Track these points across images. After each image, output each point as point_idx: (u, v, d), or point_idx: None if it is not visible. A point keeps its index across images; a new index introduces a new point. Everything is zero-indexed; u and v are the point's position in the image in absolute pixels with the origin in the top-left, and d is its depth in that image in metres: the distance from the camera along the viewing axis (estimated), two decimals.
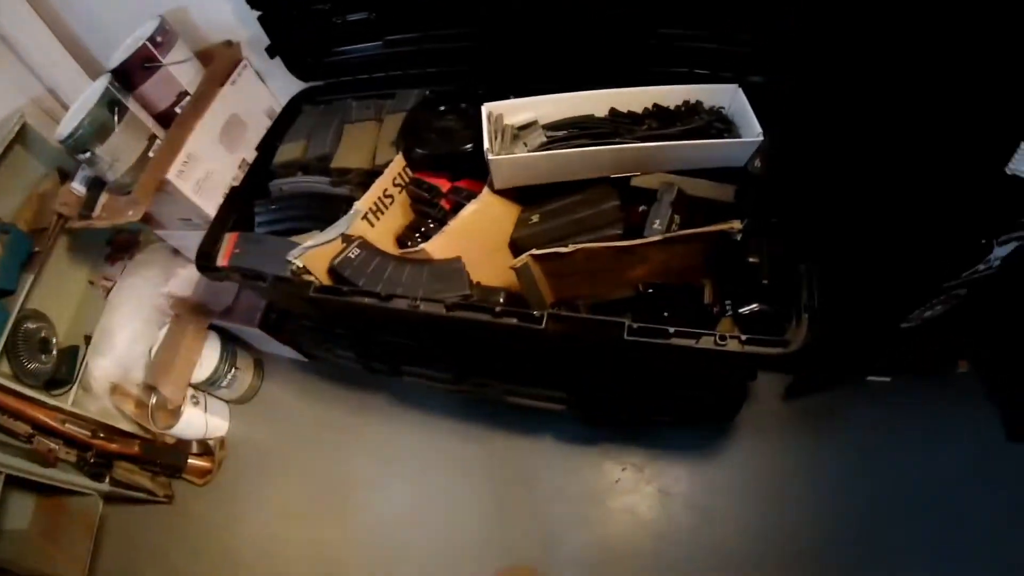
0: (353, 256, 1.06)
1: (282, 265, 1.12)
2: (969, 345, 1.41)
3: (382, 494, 1.48)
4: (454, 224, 1.02)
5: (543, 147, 0.99)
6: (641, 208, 1.08)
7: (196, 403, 1.56)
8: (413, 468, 1.49)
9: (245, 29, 1.45)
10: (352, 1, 1.26)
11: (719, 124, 1.02)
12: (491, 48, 1.21)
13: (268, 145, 1.33)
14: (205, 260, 1.21)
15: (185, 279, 1.59)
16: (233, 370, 1.54)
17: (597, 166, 1.00)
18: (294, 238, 1.17)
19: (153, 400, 1.49)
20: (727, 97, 1.05)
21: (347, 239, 1.08)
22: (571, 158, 0.97)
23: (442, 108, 1.15)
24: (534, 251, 0.97)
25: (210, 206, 1.40)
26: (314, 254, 1.09)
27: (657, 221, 0.99)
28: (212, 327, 1.54)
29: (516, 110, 1.04)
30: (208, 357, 1.51)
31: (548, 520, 1.38)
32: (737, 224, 1.00)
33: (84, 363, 1.56)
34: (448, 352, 1.19)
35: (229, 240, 1.22)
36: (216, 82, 1.46)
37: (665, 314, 1.07)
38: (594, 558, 1.34)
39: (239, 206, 1.28)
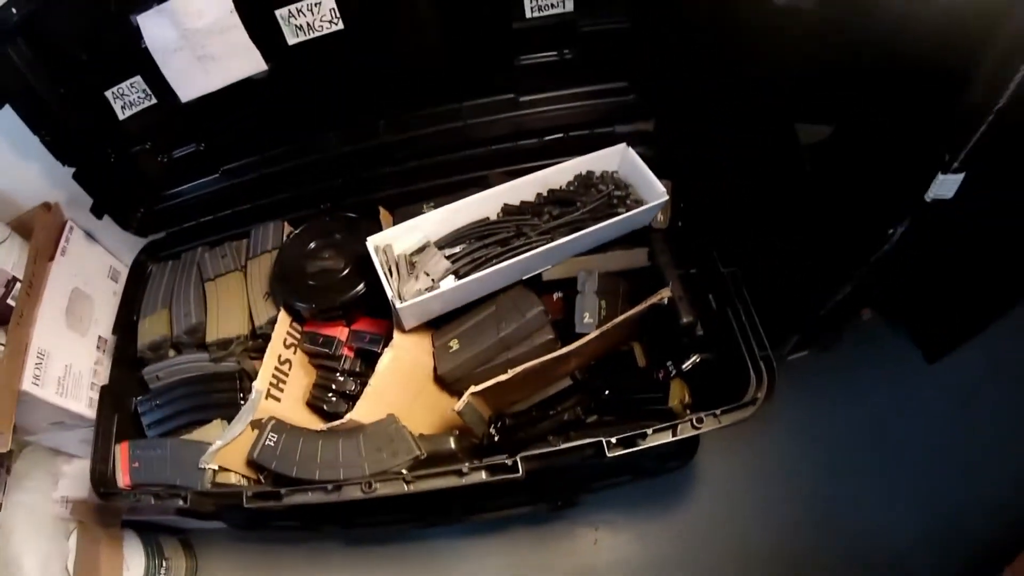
0: (272, 443, 0.85)
1: (191, 471, 0.90)
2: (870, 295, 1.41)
3: None
4: (374, 382, 0.84)
5: (449, 272, 0.81)
6: (556, 295, 0.95)
7: None
8: None
9: (61, 187, 1.14)
10: (176, 134, 1.02)
11: (617, 192, 0.88)
12: (347, 155, 1.01)
13: (124, 323, 1.06)
14: (105, 486, 0.96)
15: (75, 478, 1.26)
16: (164, 563, 1.26)
17: (509, 276, 0.84)
18: (195, 433, 0.94)
19: None
20: (615, 159, 0.93)
21: (257, 424, 0.87)
22: (486, 278, 0.81)
23: (312, 245, 0.95)
24: (473, 388, 0.81)
25: (80, 404, 1.10)
26: (227, 451, 0.88)
27: (586, 314, 0.86)
28: (124, 524, 1.24)
29: (403, 236, 0.86)
30: (133, 562, 1.22)
31: None
32: (667, 292, 0.88)
33: None
34: (406, 507, 1.01)
35: (121, 453, 0.97)
36: (45, 256, 1.15)
37: (606, 392, 0.95)
38: None
39: (117, 405, 1.01)
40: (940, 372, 1.34)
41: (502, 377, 0.81)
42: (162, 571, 1.25)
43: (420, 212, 0.90)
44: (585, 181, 0.90)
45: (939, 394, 1.31)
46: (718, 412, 0.83)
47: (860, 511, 1.23)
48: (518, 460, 0.78)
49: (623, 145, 0.92)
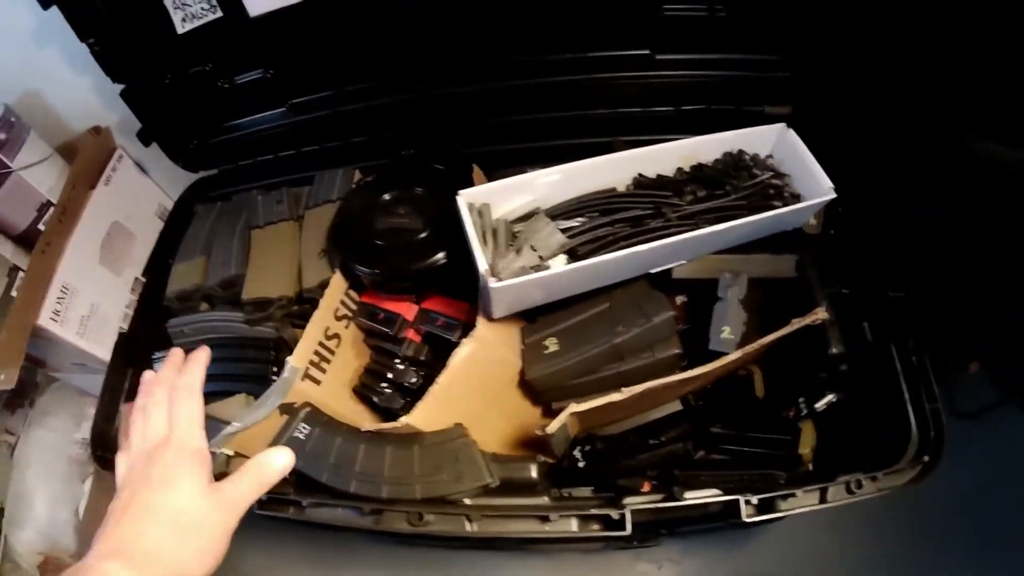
0: (303, 436, 0.59)
1: None
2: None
3: None
4: (444, 380, 0.57)
5: (564, 250, 0.54)
6: (680, 299, 0.67)
7: None
8: None
9: (115, 110, 0.91)
10: (241, 57, 0.77)
11: (775, 181, 0.61)
12: (440, 98, 0.74)
13: (157, 267, 0.81)
14: (102, 449, 0.71)
15: None
16: None
17: (636, 265, 0.57)
18: (211, 407, 0.67)
19: None
20: (769, 141, 0.65)
21: (288, 409, 0.61)
22: (612, 263, 0.53)
23: (386, 196, 0.68)
24: (575, 407, 0.54)
25: (103, 349, 0.88)
26: (247, 436, 0.61)
27: (726, 329, 0.59)
28: None
29: (505, 195, 0.59)
30: None
31: None
32: (823, 314, 0.60)
33: (3, 539, 0.98)
34: None
35: (127, 414, 0.70)
36: (86, 183, 0.91)
37: (715, 428, 0.67)
38: None
39: (134, 359, 0.75)
40: None
41: (615, 397, 0.54)
42: None
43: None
44: (735, 161, 0.63)
45: None
46: (880, 475, 0.56)
47: None
48: (626, 514, 0.51)
49: (782, 125, 0.65)
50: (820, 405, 0.68)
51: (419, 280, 0.63)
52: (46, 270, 0.84)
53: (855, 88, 0.72)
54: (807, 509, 0.55)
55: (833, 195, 0.62)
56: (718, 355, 0.58)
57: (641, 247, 0.53)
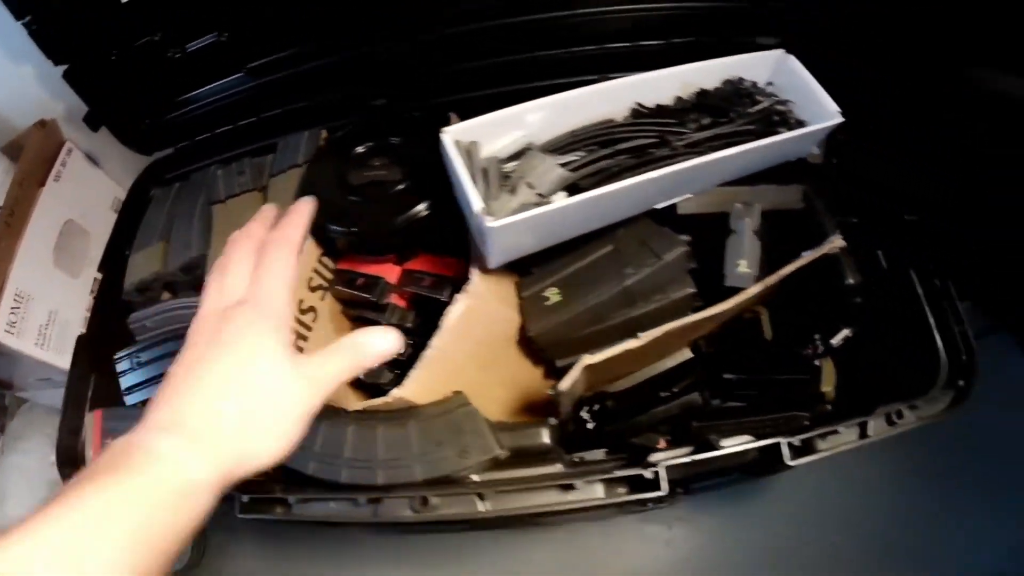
0: None
1: None
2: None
3: None
4: (438, 343, 0.46)
5: (565, 183, 0.45)
6: (685, 237, 0.58)
7: None
8: None
9: (61, 98, 0.77)
10: (192, 21, 0.64)
11: (779, 107, 0.52)
12: (412, 44, 0.63)
13: (114, 260, 0.68)
14: (70, 466, 0.58)
15: None
16: None
17: (643, 198, 0.48)
18: None
19: None
20: (767, 68, 0.56)
21: None
22: (618, 195, 0.43)
23: (360, 150, 0.56)
24: (589, 358, 0.44)
25: (66, 359, 0.72)
26: None
27: (743, 262, 0.50)
28: None
29: (493, 131, 0.48)
30: None
31: None
32: (839, 241, 0.52)
33: None
34: None
35: (94, 424, 0.59)
36: (35, 181, 0.77)
37: (727, 376, 0.58)
38: None
39: (96, 362, 0.63)
40: None
41: (631, 344, 0.45)
42: None
43: None
44: (736, 88, 0.54)
45: None
46: (919, 403, 0.48)
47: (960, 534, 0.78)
48: (660, 472, 0.41)
49: (781, 51, 0.56)
50: (836, 341, 0.59)
51: (401, 236, 0.52)
52: None
53: (852, 18, 0.65)
54: (849, 446, 0.47)
55: (840, 119, 0.53)
56: (734, 292, 0.50)
57: (650, 174, 0.43)
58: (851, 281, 0.56)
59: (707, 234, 0.55)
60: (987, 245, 0.69)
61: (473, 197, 0.42)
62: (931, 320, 0.54)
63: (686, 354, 0.58)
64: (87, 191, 0.83)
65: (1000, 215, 0.64)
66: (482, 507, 0.43)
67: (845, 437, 0.46)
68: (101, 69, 0.68)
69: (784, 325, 0.64)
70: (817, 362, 0.59)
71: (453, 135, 0.46)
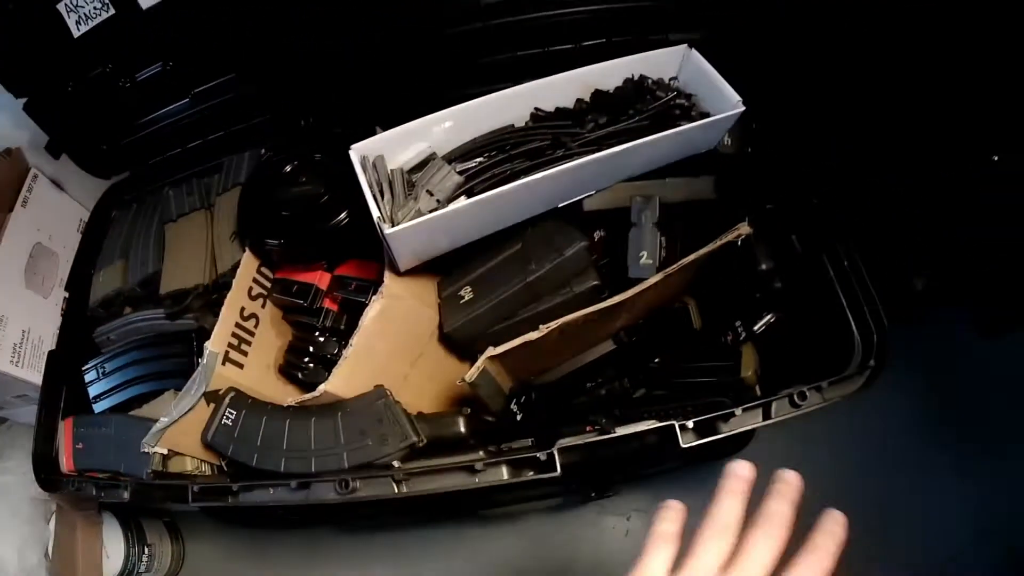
0: (230, 422, 0.52)
1: (137, 455, 0.57)
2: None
3: None
4: (357, 342, 0.50)
5: (461, 191, 0.48)
6: (597, 234, 0.61)
7: None
8: None
9: (25, 128, 0.80)
10: (139, 53, 0.69)
11: (680, 100, 0.55)
12: (334, 69, 0.67)
13: (79, 278, 0.73)
14: (47, 470, 0.64)
15: None
16: (147, 549, 0.92)
17: (540, 198, 0.51)
18: (144, 408, 0.61)
19: None
20: (674, 64, 0.59)
21: (213, 397, 0.54)
22: (511, 196, 0.46)
23: (287, 169, 0.60)
24: (491, 351, 0.47)
25: (40, 375, 0.76)
26: (176, 431, 0.55)
27: (644, 253, 0.52)
28: (103, 506, 0.91)
29: (399, 144, 0.52)
30: (113, 547, 0.88)
31: None
32: (745, 228, 0.54)
33: None
34: (399, 503, 0.67)
35: (65, 432, 0.64)
36: (3, 207, 0.82)
37: (655, 360, 0.61)
38: None
39: (66, 374, 0.68)
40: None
41: (531, 335, 0.48)
42: (144, 557, 0.92)
43: None
44: (637, 86, 0.56)
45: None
46: (824, 384, 0.50)
47: (918, 511, 0.78)
48: (554, 454, 0.44)
49: (684, 46, 0.58)
50: (758, 327, 0.61)
51: (325, 243, 0.56)
52: None
53: (765, 12, 0.67)
54: (752, 427, 0.49)
55: (742, 108, 0.55)
56: (638, 282, 0.53)
57: (539, 174, 0.46)
58: (764, 267, 0.58)
59: (618, 228, 0.58)
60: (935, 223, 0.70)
61: (372, 206, 0.46)
62: (843, 301, 0.56)
63: (609, 346, 0.61)
64: (53, 215, 0.88)
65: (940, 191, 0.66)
66: (397, 489, 0.46)
67: (747, 419, 0.48)
68: (58, 100, 0.73)
69: (712, 314, 0.67)
70: (739, 348, 0.61)
71: (360, 150, 0.49)
